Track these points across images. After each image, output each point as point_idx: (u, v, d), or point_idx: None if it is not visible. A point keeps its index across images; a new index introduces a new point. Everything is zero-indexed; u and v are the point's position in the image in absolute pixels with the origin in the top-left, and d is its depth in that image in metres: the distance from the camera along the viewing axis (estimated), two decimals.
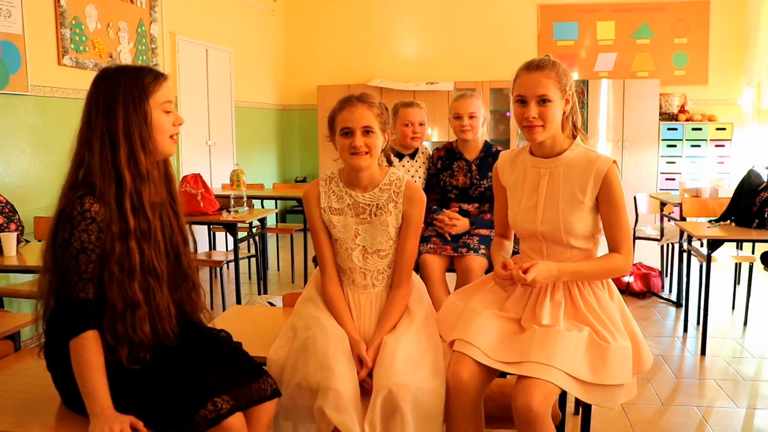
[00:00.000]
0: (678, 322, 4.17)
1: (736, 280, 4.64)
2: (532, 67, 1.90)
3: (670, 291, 4.81)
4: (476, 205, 3.15)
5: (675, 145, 7.25)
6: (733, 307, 4.46)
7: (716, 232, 3.53)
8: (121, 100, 1.56)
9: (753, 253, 4.76)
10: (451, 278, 2.94)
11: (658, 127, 7.26)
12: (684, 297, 4.18)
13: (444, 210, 3.11)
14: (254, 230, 4.94)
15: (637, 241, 4.91)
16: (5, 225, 3.31)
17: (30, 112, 3.94)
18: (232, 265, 5.12)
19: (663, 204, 4.98)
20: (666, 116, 7.37)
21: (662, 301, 4.66)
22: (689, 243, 3.96)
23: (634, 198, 5.06)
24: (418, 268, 2.86)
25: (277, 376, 1.79)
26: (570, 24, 7.58)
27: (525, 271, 1.80)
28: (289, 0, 8.02)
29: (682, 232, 4.14)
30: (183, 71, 5.64)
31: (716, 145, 7.17)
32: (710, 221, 3.82)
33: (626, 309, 1.94)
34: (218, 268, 4.64)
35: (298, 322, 1.94)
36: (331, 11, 7.93)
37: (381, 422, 1.71)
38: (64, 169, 1.62)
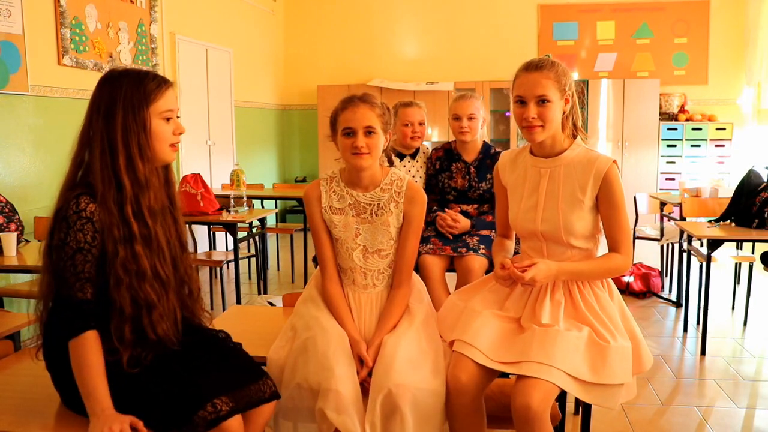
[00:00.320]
0: (678, 322, 4.17)
1: (736, 280, 4.64)
2: (531, 67, 1.90)
3: (670, 291, 4.81)
4: (475, 206, 3.15)
5: (675, 145, 7.25)
6: (733, 307, 4.46)
7: (716, 232, 3.53)
8: (121, 105, 1.55)
9: (753, 253, 4.76)
10: (451, 278, 2.94)
11: (658, 127, 7.26)
12: (684, 297, 4.18)
13: (447, 209, 3.11)
14: (254, 230, 4.94)
15: (637, 241, 4.91)
16: (5, 225, 3.31)
17: (30, 112, 3.94)
18: (232, 265, 5.11)
19: (663, 204, 4.98)
20: (666, 116, 7.37)
21: (662, 301, 4.66)
22: (689, 243, 3.96)
23: (634, 198, 5.06)
24: (418, 268, 2.86)
25: (277, 376, 1.79)
26: (570, 24, 7.58)
27: (524, 271, 1.80)
28: (289, 0, 8.02)
29: (682, 232, 4.14)
30: (183, 71, 5.64)
31: (716, 145, 7.17)
32: (710, 221, 3.82)
33: (626, 309, 1.94)
34: (218, 268, 4.64)
35: (298, 322, 1.94)
36: (331, 11, 7.93)
37: (381, 422, 1.71)
38: (64, 169, 1.61)
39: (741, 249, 4.66)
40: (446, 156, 3.21)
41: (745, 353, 3.64)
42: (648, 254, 5.42)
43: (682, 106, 7.35)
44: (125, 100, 1.55)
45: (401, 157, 3.28)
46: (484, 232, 3.02)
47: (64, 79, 4.21)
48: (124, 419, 1.45)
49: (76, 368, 1.50)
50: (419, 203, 2.00)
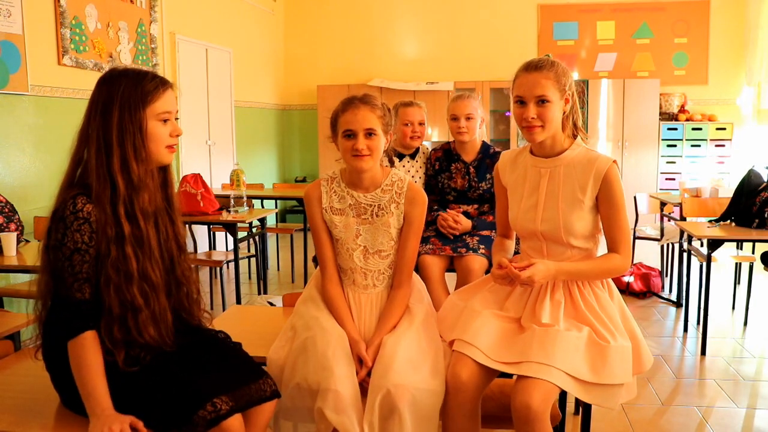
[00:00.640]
0: (678, 322, 4.17)
1: (736, 280, 4.64)
2: (531, 67, 1.90)
3: (670, 291, 4.81)
4: (475, 206, 3.15)
5: (675, 145, 7.25)
6: (733, 307, 4.46)
7: (716, 232, 3.53)
8: (118, 105, 1.55)
9: (753, 253, 4.76)
10: (451, 278, 2.94)
11: (658, 127, 7.26)
12: (684, 297, 4.18)
13: (449, 210, 3.10)
14: (254, 230, 4.94)
15: (637, 241, 4.91)
16: (5, 225, 3.31)
17: (30, 111, 3.94)
18: (232, 265, 5.11)
19: (663, 204, 4.98)
20: (666, 116, 7.37)
21: (662, 301, 4.66)
22: (689, 243, 3.96)
23: (634, 198, 5.06)
24: (418, 268, 2.86)
25: (276, 376, 1.79)
26: (570, 24, 7.58)
27: (522, 270, 1.80)
28: (289, 0, 8.02)
29: (682, 232, 4.14)
30: (183, 71, 5.64)
31: (716, 145, 7.17)
32: (710, 221, 3.82)
33: (626, 309, 1.93)
34: (218, 268, 4.64)
35: (298, 322, 1.94)
36: (331, 11, 7.93)
37: (379, 422, 1.71)
38: (64, 168, 1.61)
39: (741, 249, 4.66)
40: (445, 156, 3.21)
41: (745, 353, 3.64)
42: (648, 254, 5.42)
43: (682, 106, 7.35)
44: (122, 100, 1.55)
45: (401, 157, 3.28)
46: (484, 233, 3.02)
47: (64, 79, 4.21)
48: (124, 419, 1.45)
49: (75, 368, 1.50)
50: (420, 204, 2.00)
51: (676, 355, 3.63)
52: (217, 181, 6.10)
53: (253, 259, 5.34)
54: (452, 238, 3.01)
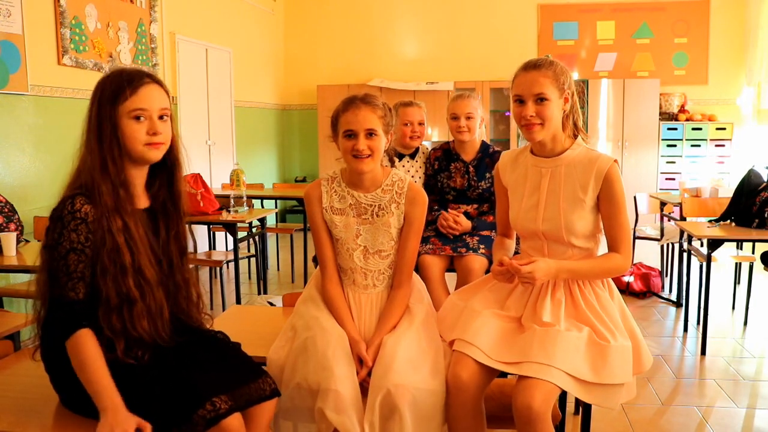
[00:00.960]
0: (678, 322, 4.17)
1: (736, 280, 4.64)
2: (529, 66, 1.90)
3: (670, 291, 4.81)
4: (475, 206, 3.15)
5: (675, 145, 7.25)
6: (733, 307, 4.46)
7: (716, 232, 3.53)
8: (97, 104, 1.57)
9: (753, 253, 4.76)
10: (451, 278, 2.94)
11: (658, 126, 7.26)
12: (684, 297, 4.18)
13: (450, 210, 3.10)
14: (254, 230, 4.94)
15: (637, 240, 4.91)
16: (5, 225, 3.31)
17: (30, 111, 3.94)
18: (232, 265, 5.11)
19: (663, 204, 4.98)
20: (666, 116, 7.37)
21: (662, 301, 4.65)
22: (689, 243, 3.96)
23: (634, 198, 5.06)
24: (418, 268, 2.85)
25: (276, 376, 1.79)
26: (570, 24, 7.58)
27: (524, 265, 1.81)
28: (289, 0, 8.02)
29: (682, 232, 4.14)
30: (183, 71, 5.64)
31: (716, 145, 7.17)
32: (710, 221, 3.82)
33: (626, 309, 1.93)
34: (218, 268, 4.64)
35: (298, 322, 1.94)
36: (331, 11, 7.93)
37: (380, 422, 1.71)
38: (63, 169, 1.62)
39: (741, 249, 4.66)
40: (445, 156, 3.21)
41: (745, 353, 3.64)
42: (648, 254, 5.42)
43: (682, 106, 7.35)
44: (101, 98, 1.57)
45: (400, 157, 3.27)
46: (484, 233, 3.02)
47: (64, 78, 4.20)
48: (131, 423, 1.44)
49: (77, 367, 1.49)
50: (420, 204, 2.00)
51: (676, 355, 3.63)
52: (217, 181, 6.10)
53: (253, 259, 5.34)
54: (452, 237, 3.01)
